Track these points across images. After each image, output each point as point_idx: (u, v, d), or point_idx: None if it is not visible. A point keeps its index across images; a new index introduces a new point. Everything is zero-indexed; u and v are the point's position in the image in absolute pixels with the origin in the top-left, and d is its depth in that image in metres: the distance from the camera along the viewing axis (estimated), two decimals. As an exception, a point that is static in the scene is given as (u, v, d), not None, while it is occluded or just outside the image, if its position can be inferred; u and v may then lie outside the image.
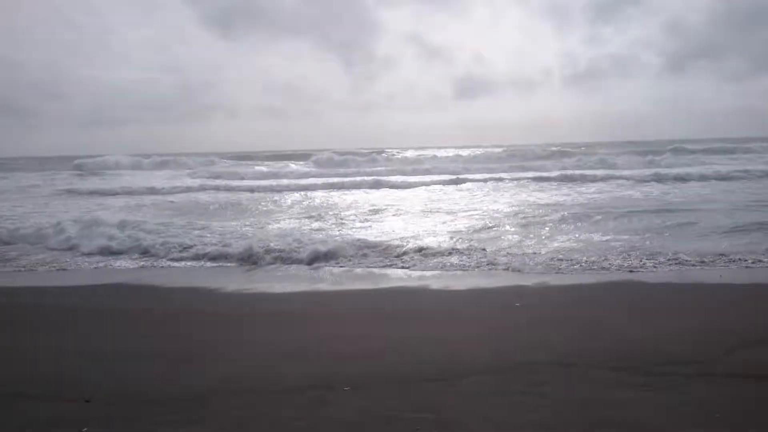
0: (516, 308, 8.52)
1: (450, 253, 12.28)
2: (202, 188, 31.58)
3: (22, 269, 12.23)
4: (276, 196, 26.69)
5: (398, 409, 4.93)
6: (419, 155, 52.45)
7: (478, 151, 55.51)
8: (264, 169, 45.81)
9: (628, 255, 11.62)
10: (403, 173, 37.37)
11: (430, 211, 19.85)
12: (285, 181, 35.31)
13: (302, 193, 28.10)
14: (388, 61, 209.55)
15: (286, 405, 5.13)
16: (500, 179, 31.24)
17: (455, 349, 6.58)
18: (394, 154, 57.88)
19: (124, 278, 11.18)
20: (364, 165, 46.23)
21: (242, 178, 39.02)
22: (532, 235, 14.29)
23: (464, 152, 57.33)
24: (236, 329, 7.92)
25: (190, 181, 36.30)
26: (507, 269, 10.99)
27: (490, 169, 38.48)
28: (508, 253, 12.32)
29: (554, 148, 51.45)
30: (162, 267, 12.24)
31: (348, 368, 6.06)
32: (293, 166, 48.48)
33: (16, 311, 9.15)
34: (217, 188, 31.52)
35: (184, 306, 9.34)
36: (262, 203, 24.06)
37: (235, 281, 10.80)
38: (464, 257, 12.00)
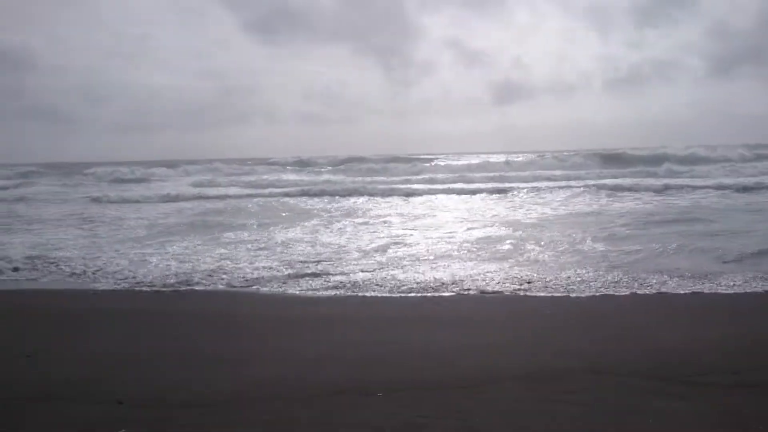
0: (546, 315, 8.56)
1: (479, 260, 12.37)
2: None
3: (58, 271, 12.67)
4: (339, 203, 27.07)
5: (427, 416, 4.98)
6: (467, 163, 51.82)
7: (519, 157, 55.02)
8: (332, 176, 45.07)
9: (665, 264, 11.59)
10: (434, 182, 37.21)
11: (465, 219, 19.93)
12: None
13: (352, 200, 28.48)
14: (427, 67, 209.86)
15: (315, 410, 5.24)
16: (569, 186, 30.35)
17: (484, 356, 6.65)
18: (432, 160, 57.99)
19: (159, 282, 11.51)
20: (403, 172, 46.06)
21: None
22: (570, 243, 14.25)
23: (502, 158, 57.06)
24: (266, 333, 8.13)
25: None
26: (539, 276, 11.03)
27: (535, 176, 37.86)
28: (541, 260, 12.36)
29: (601, 153, 50.62)
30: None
31: (378, 374, 6.17)
32: (326, 174, 48.52)
33: (48, 314, 9.49)
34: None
35: (215, 309, 9.61)
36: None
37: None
38: (495, 263, 12.08)
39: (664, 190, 27.30)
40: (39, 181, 46.49)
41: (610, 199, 25.06)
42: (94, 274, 12.41)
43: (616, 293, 9.73)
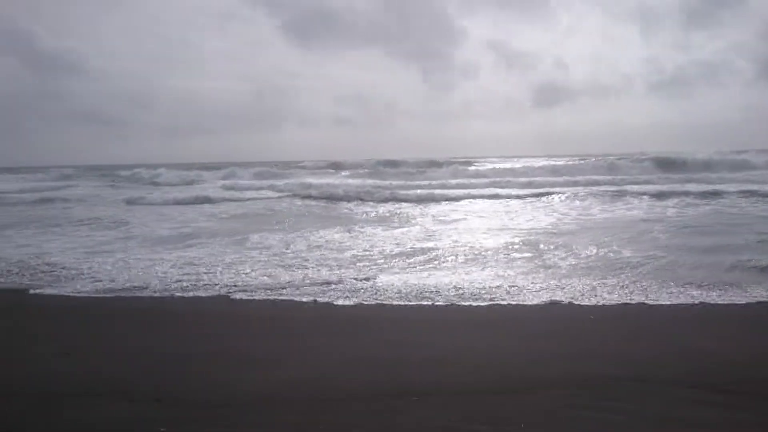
0: (589, 322, 8.50)
1: (517, 266, 12.31)
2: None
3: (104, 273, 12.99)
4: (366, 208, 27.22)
5: (462, 420, 5.01)
6: (507, 167, 51.39)
7: (559, 161, 54.46)
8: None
9: (709, 273, 11.39)
10: (471, 186, 37.04)
11: (502, 225, 19.86)
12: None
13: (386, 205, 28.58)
14: (467, 69, 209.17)
15: (348, 413, 5.31)
16: (610, 191, 29.65)
17: (524, 362, 6.64)
18: (470, 163, 57.76)
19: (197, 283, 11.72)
20: (439, 176, 45.89)
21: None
22: (612, 250, 14.10)
23: (542, 161, 56.59)
24: (298, 336, 8.22)
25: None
26: (579, 283, 10.95)
27: (575, 181, 37.31)
28: (582, 266, 12.28)
29: (644, 156, 49.76)
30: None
31: (413, 378, 6.21)
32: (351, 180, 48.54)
33: (89, 313, 9.80)
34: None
35: (247, 312, 9.76)
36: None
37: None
38: (534, 270, 12.03)
39: (710, 196, 26.71)
40: (80, 183, 47.65)
41: (652, 204, 24.64)
42: (128, 275, 12.67)
43: (660, 302, 9.61)
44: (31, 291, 11.17)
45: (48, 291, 11.08)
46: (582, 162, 52.01)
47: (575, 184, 35.52)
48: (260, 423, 5.11)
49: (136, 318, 9.49)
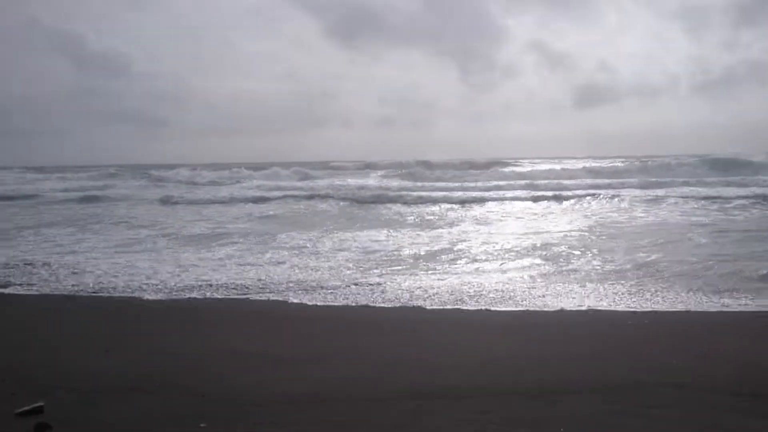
0: (627, 327, 8.46)
1: (556, 271, 12.30)
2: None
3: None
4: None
5: (501, 423, 5.07)
6: (550, 168, 50.78)
7: (601, 163, 53.78)
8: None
9: (757, 280, 11.20)
10: (509, 188, 36.78)
11: (542, 228, 19.76)
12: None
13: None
14: (508, 69, 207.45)
15: (385, 414, 5.40)
16: (654, 194, 28.99)
17: (561, 366, 6.66)
18: (510, 164, 57.46)
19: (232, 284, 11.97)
20: (479, 177, 45.59)
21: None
22: (653, 255, 13.94)
23: (583, 163, 55.99)
24: (338, 336, 8.38)
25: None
26: (623, 288, 10.87)
27: (618, 183, 36.70)
28: (621, 271, 12.19)
29: (689, 158, 48.85)
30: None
31: (447, 380, 6.28)
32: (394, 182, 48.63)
33: (134, 311, 10.12)
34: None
35: (288, 311, 9.98)
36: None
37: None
38: (575, 274, 12.01)
39: (759, 199, 26.08)
40: (121, 183, 48.65)
41: (697, 208, 24.21)
42: (168, 274, 12.99)
43: (702, 309, 9.51)
44: (81, 293, 11.44)
45: (92, 294, 11.35)
46: (625, 164, 51.28)
47: (617, 186, 35.01)
48: (301, 421, 5.24)
49: (176, 316, 9.78)
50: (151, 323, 9.34)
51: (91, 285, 11.91)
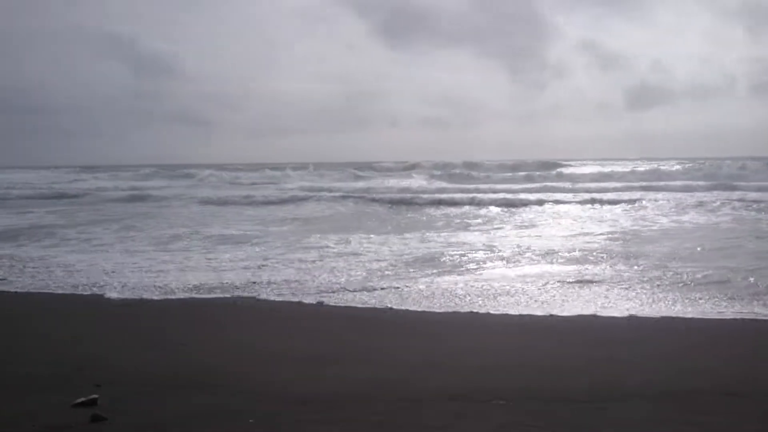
0: (676, 333, 8.37)
1: (606, 275, 12.24)
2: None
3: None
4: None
5: (547, 428, 5.10)
6: (600, 170, 49.88)
7: (653, 165, 52.69)
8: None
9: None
10: (556, 190, 36.34)
11: (589, 231, 19.58)
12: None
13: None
14: (558, 69, 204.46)
15: (426, 414, 5.48)
16: (707, 197, 28.36)
17: (609, 372, 6.65)
18: (559, 165, 56.85)
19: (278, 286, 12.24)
20: (526, 178, 45.15)
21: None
22: (704, 261, 13.72)
23: (635, 165, 55.03)
24: (379, 338, 8.53)
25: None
26: (669, 294, 10.76)
27: (669, 186, 35.86)
28: (673, 276, 12.05)
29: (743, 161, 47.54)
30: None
31: (493, 382, 6.34)
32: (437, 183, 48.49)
33: (184, 310, 10.48)
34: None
35: (334, 313, 10.20)
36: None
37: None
38: (621, 279, 11.91)
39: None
40: (164, 183, 49.74)
41: (752, 212, 23.64)
42: (215, 274, 13.37)
43: (747, 317, 9.32)
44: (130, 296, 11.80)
45: (152, 295, 11.68)
46: (678, 166, 50.27)
47: (669, 189, 34.34)
48: (344, 419, 5.35)
49: (223, 315, 10.12)
50: (205, 321, 9.68)
51: (153, 288, 12.21)
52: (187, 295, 11.54)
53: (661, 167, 49.97)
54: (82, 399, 5.71)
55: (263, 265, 14.26)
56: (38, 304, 10.97)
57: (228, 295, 11.41)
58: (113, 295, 11.49)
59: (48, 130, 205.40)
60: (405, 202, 31.26)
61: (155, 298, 11.38)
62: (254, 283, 12.35)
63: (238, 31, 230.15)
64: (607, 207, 27.48)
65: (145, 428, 5.11)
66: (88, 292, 11.66)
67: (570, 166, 60.36)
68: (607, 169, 49.90)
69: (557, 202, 29.80)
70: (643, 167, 51.95)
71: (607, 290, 11.19)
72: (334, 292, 11.53)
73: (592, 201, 29.51)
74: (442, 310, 10.13)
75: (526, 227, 21.09)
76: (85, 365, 7.06)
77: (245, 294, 11.48)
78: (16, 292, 11.77)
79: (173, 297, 11.43)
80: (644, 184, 37.95)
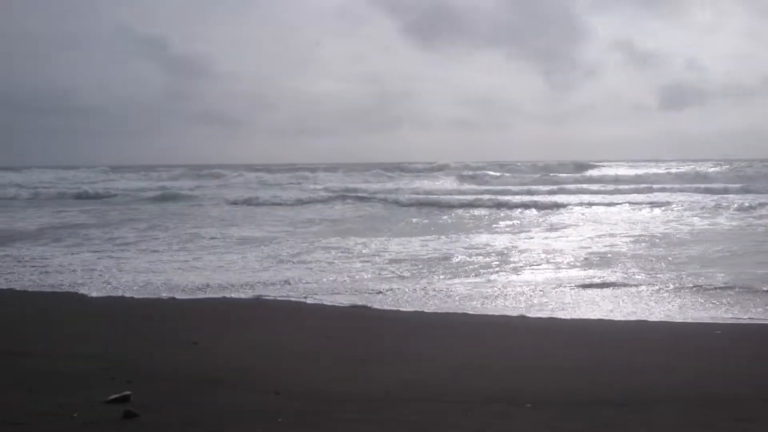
0: (715, 338, 8.27)
1: (638, 278, 12.15)
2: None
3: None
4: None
5: (577, 431, 5.09)
6: (632, 172, 49.31)
7: (690, 167, 51.96)
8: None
9: None
10: (587, 192, 36.04)
11: (621, 233, 19.40)
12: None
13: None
14: (591, 70, 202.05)
15: (465, 416, 5.46)
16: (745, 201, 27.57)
17: (644, 375, 6.58)
18: (590, 166, 56.41)
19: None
20: (557, 180, 44.80)
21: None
22: (739, 265, 13.52)
23: (667, 166, 54.37)
24: (414, 338, 8.56)
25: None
26: (704, 298, 10.64)
27: (703, 188, 35.25)
28: (706, 279, 11.88)
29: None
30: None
31: (528, 385, 6.32)
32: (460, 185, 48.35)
33: (211, 309, 10.63)
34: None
35: (365, 312, 10.31)
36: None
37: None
38: (655, 283, 11.80)
39: None
40: (195, 183, 50.27)
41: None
42: (256, 275, 13.52)
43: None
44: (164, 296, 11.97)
45: (184, 296, 11.86)
46: (715, 168, 49.53)
47: (703, 191, 33.87)
48: (377, 420, 5.37)
49: (251, 315, 10.26)
50: (239, 321, 9.80)
51: (184, 289, 12.31)
52: (214, 294, 11.67)
53: (697, 168, 49.36)
54: (115, 395, 5.81)
55: (291, 265, 14.40)
56: (68, 303, 11.18)
57: (255, 295, 11.52)
58: (142, 295, 11.67)
59: (81, 131, 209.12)
60: (434, 204, 31.13)
61: (182, 297, 11.53)
62: (286, 282, 12.48)
63: (269, 32, 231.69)
64: (639, 209, 27.17)
65: (175, 425, 5.18)
66: (119, 294, 11.81)
67: (602, 167, 59.85)
68: (640, 171, 49.39)
69: (589, 204, 29.49)
70: (677, 168, 51.38)
71: (639, 294, 11.07)
72: (361, 292, 11.60)
73: (624, 203, 29.23)
74: (474, 312, 10.11)
75: (556, 230, 20.97)
76: (116, 363, 7.17)
77: (273, 294, 11.57)
78: (52, 292, 11.98)
79: (200, 297, 11.57)
80: (678, 185, 37.54)
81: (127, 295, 11.71)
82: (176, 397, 6.01)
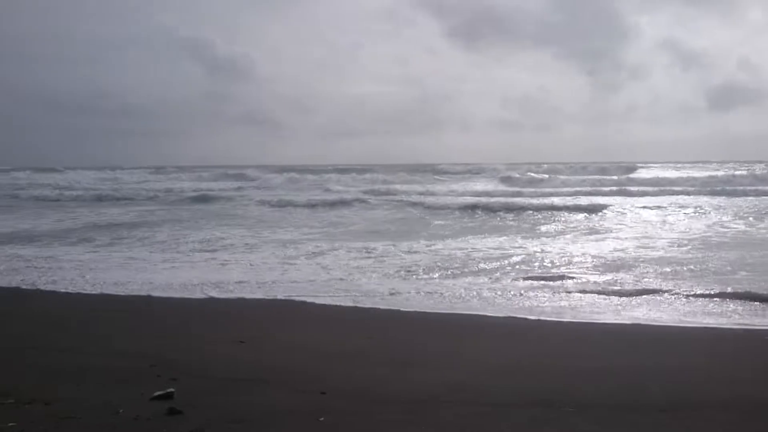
0: (762, 343, 8.16)
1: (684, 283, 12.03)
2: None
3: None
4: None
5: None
6: (676, 174, 48.33)
7: (741, 171, 50.68)
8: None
9: None
10: (628, 194, 35.45)
11: (665, 237, 19.14)
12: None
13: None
14: (637, 70, 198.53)
15: (505, 420, 5.50)
16: None
17: (691, 381, 6.53)
18: (634, 168, 55.63)
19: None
20: (599, 182, 44.23)
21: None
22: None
23: (717, 168, 53.31)
24: (454, 341, 8.61)
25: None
26: (755, 304, 10.43)
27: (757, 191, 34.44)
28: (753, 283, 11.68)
29: None
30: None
31: (570, 388, 6.31)
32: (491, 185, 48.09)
33: (250, 309, 10.85)
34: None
35: (408, 314, 10.39)
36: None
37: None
38: (702, 287, 11.63)
39: None
40: (232, 184, 51.02)
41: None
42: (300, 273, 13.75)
43: None
44: (203, 295, 12.23)
45: (228, 295, 12.11)
46: (766, 170, 48.36)
47: (753, 194, 33.09)
48: (416, 422, 5.43)
49: (300, 315, 10.49)
50: (282, 321, 10.03)
51: (232, 290, 12.52)
52: (253, 295, 11.87)
53: (746, 170, 48.26)
54: (159, 392, 5.99)
55: (328, 267, 14.61)
56: (112, 302, 11.47)
57: (294, 296, 11.68)
58: (182, 294, 11.96)
59: (124, 132, 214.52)
60: (473, 205, 30.90)
61: (220, 297, 11.77)
62: (325, 283, 12.67)
63: (312, 34, 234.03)
64: (683, 212, 26.80)
65: (217, 423, 5.30)
66: (160, 294, 12.07)
67: (647, 169, 58.98)
68: (686, 173, 48.43)
69: (631, 206, 29.10)
70: (723, 170, 50.31)
71: (683, 298, 10.95)
72: (399, 293, 11.75)
73: (668, 206, 28.77)
74: (514, 315, 10.12)
75: (597, 233, 20.84)
76: (160, 360, 7.37)
77: (312, 295, 11.74)
78: (97, 293, 12.26)
79: (238, 296, 11.79)
80: (728, 188, 36.68)
81: (168, 294, 11.97)
82: (220, 395, 6.15)
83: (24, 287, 12.70)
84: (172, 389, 6.06)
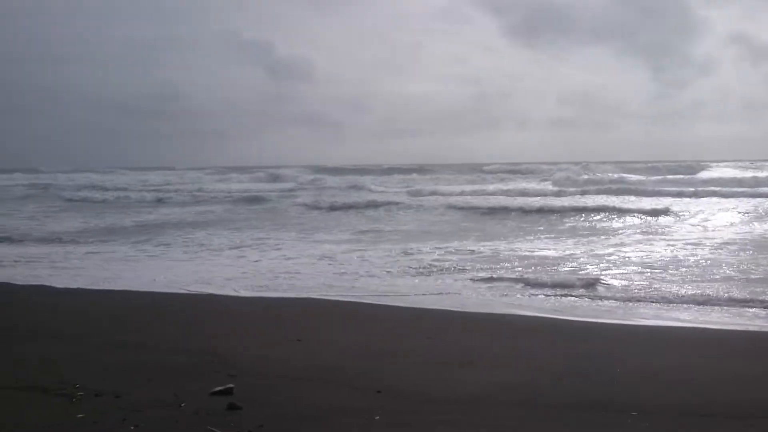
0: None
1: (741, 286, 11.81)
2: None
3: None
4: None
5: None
6: (743, 174, 46.69)
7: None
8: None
9: None
10: (689, 195, 34.41)
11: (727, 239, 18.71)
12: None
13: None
14: (703, 66, 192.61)
15: (562, 422, 5.54)
16: None
17: (757, 387, 6.45)
18: (698, 168, 54.21)
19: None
20: (654, 182, 43.13)
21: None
22: None
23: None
24: (517, 339, 8.71)
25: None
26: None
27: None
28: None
29: None
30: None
31: (628, 392, 6.30)
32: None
33: (313, 309, 11.03)
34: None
35: (464, 313, 10.51)
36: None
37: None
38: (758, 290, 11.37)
39: None
40: (285, 186, 51.57)
41: None
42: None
43: None
44: (257, 294, 12.63)
45: (283, 294, 12.41)
46: None
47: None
48: (471, 423, 5.51)
49: (357, 315, 10.66)
50: (331, 320, 10.20)
51: (285, 290, 12.82)
52: (309, 294, 12.12)
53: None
54: (219, 388, 6.23)
55: (383, 267, 14.76)
56: (175, 301, 11.82)
57: (351, 296, 11.91)
58: (238, 293, 12.32)
59: (188, 133, 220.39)
60: (530, 206, 30.35)
61: (271, 296, 12.06)
62: (381, 283, 12.91)
63: (370, 34, 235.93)
64: (752, 213, 25.92)
65: (274, 419, 5.49)
66: (221, 292, 12.44)
67: (712, 168, 57.30)
68: (748, 174, 46.67)
69: (696, 207, 28.34)
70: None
71: (747, 303, 10.71)
72: (454, 293, 11.90)
73: (735, 207, 27.92)
74: (573, 318, 10.10)
75: (659, 234, 20.40)
76: (220, 357, 7.62)
77: (368, 295, 11.95)
78: (161, 292, 12.63)
79: (293, 296, 12.04)
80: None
81: (224, 293, 12.33)
82: (278, 392, 6.35)
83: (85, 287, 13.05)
84: (231, 385, 6.30)
